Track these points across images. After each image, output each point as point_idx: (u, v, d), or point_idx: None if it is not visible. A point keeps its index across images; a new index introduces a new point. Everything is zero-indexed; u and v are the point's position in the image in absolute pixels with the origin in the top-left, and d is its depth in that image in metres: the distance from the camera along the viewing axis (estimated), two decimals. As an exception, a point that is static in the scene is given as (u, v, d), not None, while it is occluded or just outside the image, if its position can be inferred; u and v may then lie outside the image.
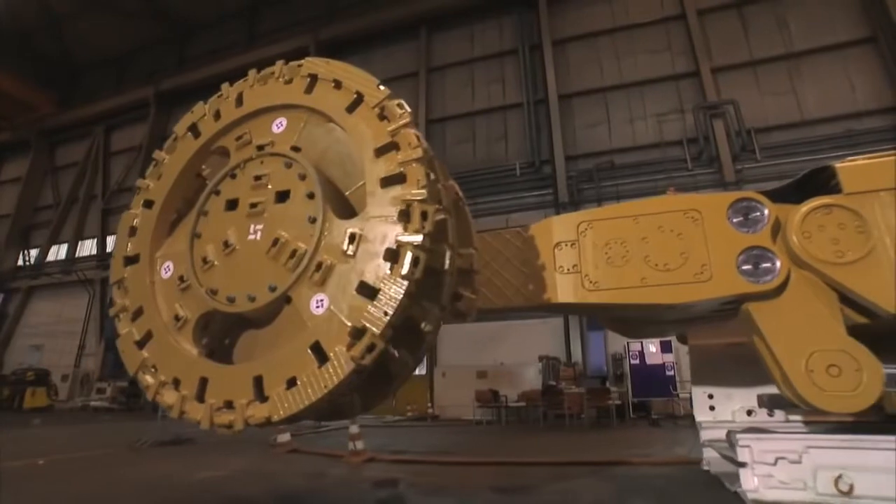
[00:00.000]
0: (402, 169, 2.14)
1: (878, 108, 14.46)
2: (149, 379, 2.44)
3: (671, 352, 12.33)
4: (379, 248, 2.07)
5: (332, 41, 21.93)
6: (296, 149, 2.53)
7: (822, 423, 3.72)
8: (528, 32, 18.96)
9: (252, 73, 2.81)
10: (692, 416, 4.51)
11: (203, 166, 2.99)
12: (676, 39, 17.22)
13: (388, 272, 2.01)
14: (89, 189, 26.39)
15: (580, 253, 3.05)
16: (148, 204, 2.85)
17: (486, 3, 19.87)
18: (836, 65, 15.27)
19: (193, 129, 2.88)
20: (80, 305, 23.20)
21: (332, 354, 2.00)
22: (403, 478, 4.48)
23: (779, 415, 4.14)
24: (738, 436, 3.03)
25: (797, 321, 2.74)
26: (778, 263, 2.83)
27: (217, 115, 2.83)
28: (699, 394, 4.47)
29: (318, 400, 1.98)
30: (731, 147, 15.21)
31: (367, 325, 1.96)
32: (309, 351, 2.06)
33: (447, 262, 2.30)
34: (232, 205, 2.56)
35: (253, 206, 2.48)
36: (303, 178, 2.39)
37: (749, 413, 4.30)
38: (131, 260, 2.76)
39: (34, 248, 26.98)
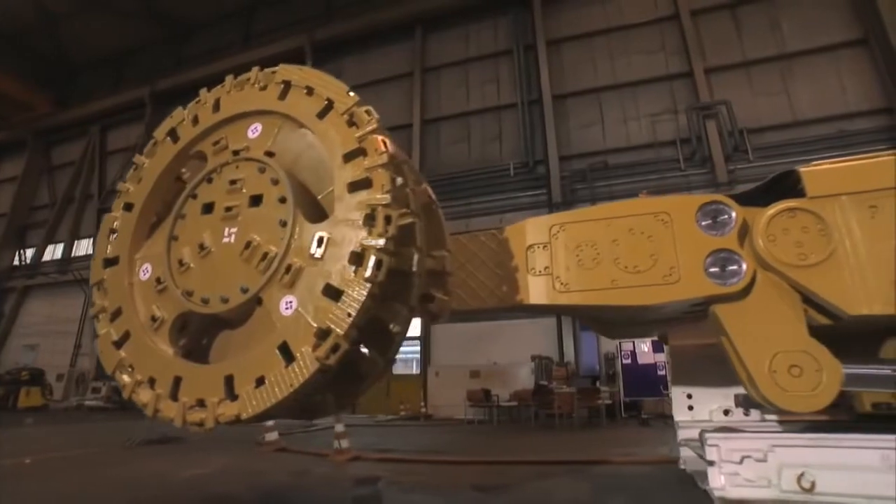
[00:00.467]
0: (367, 174, 2.20)
1: (870, 110, 14.58)
2: (125, 378, 2.49)
3: (663, 351, 12.41)
4: (345, 251, 2.13)
5: (329, 41, 22.02)
6: (270, 154, 2.58)
7: (796, 422, 3.78)
8: (523, 33, 19.04)
9: (229, 79, 2.87)
10: (680, 416, 4.57)
11: (184, 170, 3.05)
12: (670, 40, 17.31)
13: (353, 275, 2.07)
14: (85, 189, 26.42)
15: (552, 255, 3.11)
16: (128, 207, 2.90)
17: (482, 3, 19.93)
18: (828, 66, 15.38)
19: (172, 134, 2.94)
20: (75, 305, 23.20)
21: (298, 354, 2.06)
22: (385, 476, 4.54)
23: (755, 414, 4.20)
24: (707, 435, 3.09)
25: (762, 322, 2.80)
26: (744, 266, 2.88)
27: (195, 121, 2.88)
28: (678, 394, 4.52)
29: (284, 398, 2.04)
30: (723, 147, 15.30)
31: (332, 326, 2.02)
32: (277, 351, 2.12)
33: (415, 264, 2.36)
34: (208, 208, 2.62)
35: (228, 209, 2.53)
36: (275, 182, 2.45)
37: (726, 413, 4.36)
38: (111, 262, 2.81)
39: (30, 247, 27.01)
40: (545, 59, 18.05)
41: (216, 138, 2.79)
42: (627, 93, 17.24)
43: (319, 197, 2.53)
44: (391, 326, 2.39)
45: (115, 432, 8.64)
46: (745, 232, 2.99)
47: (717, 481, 3.04)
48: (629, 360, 12.74)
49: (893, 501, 2.56)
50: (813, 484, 2.79)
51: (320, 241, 2.21)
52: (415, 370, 16.50)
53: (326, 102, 2.44)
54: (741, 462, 2.98)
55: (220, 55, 24.28)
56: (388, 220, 2.09)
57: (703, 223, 3.03)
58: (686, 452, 4.30)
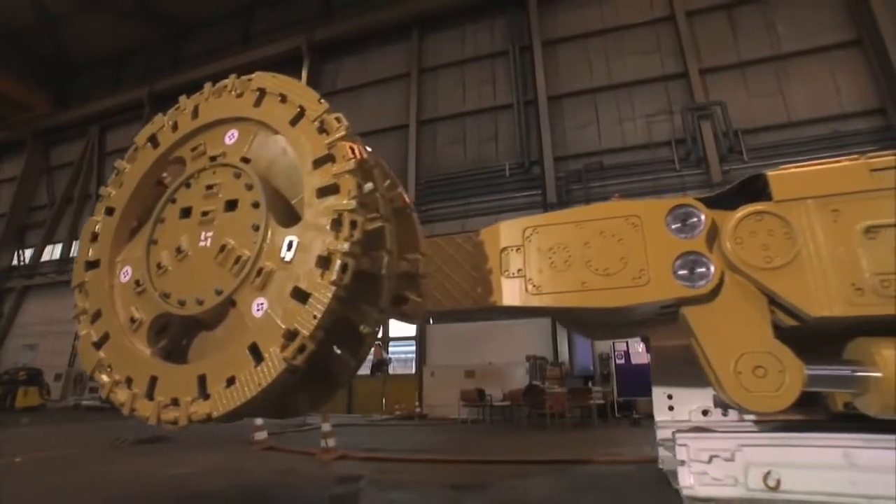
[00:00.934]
0: (335, 180, 2.26)
1: (864, 111, 14.63)
2: (104, 378, 2.57)
3: (657, 352, 12.42)
4: (313, 255, 2.20)
5: (327, 41, 22.07)
6: (245, 160, 2.65)
7: (771, 422, 3.84)
8: (519, 33, 19.08)
9: (208, 86, 2.94)
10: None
11: (165, 175, 3.12)
12: (665, 41, 17.35)
13: (320, 278, 2.14)
14: (84, 189, 26.45)
15: (525, 257, 3.17)
16: (109, 211, 2.97)
17: (479, 4, 19.98)
18: (822, 67, 15.41)
19: (153, 140, 3.02)
20: (74, 305, 23.22)
21: (266, 355, 2.13)
22: (368, 475, 4.60)
23: (733, 414, 4.26)
24: (677, 435, 3.15)
25: (728, 324, 2.86)
26: (712, 268, 2.94)
27: (175, 127, 2.96)
28: (659, 394, 4.58)
29: (252, 397, 2.11)
30: (718, 148, 15.35)
31: (299, 327, 2.09)
32: (247, 351, 2.19)
33: (384, 267, 2.43)
34: (186, 213, 2.69)
35: (204, 214, 2.61)
36: (249, 188, 2.52)
37: (705, 413, 4.42)
38: (92, 265, 2.88)
39: (29, 247, 27.05)
40: (541, 60, 18.11)
41: (194, 144, 2.86)
42: (623, 93, 17.29)
43: (293, 202, 2.59)
44: (361, 328, 2.45)
45: (110, 431, 8.69)
46: (714, 235, 3.05)
47: (687, 480, 3.10)
48: (623, 360, 12.76)
49: (853, 498, 2.62)
50: (778, 482, 2.85)
51: (290, 245, 2.28)
52: (410, 370, 16.60)
53: (299, 110, 2.51)
54: (710, 461, 3.04)
55: (219, 55, 24.32)
56: (353, 224, 2.16)
57: (673, 226, 3.09)
58: (664, 452, 4.37)
